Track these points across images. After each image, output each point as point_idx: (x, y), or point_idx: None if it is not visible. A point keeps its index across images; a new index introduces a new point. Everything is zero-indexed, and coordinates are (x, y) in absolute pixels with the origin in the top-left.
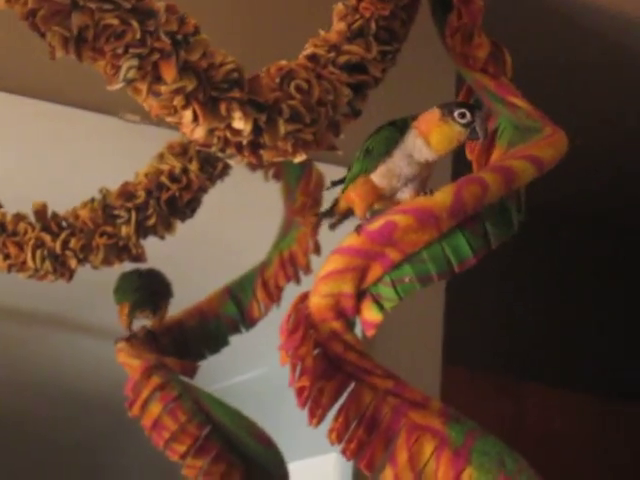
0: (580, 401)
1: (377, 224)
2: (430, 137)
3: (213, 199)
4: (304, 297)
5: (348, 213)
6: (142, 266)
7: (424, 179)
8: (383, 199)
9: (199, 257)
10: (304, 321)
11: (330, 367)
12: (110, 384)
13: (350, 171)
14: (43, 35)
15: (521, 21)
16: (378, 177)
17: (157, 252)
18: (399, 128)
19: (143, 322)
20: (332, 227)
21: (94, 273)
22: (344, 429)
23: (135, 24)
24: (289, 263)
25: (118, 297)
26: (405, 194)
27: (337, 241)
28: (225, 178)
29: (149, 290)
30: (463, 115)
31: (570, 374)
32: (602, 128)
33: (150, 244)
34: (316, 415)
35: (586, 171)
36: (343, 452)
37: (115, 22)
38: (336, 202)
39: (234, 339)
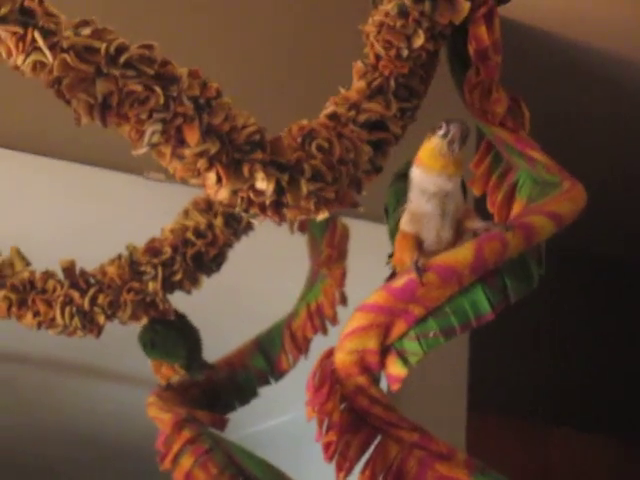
0: (606, 444)
1: (401, 282)
2: (421, 159)
3: (240, 250)
4: (330, 353)
5: None
6: None
7: (454, 214)
8: (426, 245)
9: (227, 308)
10: (330, 377)
11: (356, 421)
12: (138, 432)
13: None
14: (68, 102)
15: (539, 74)
16: (408, 226)
17: (185, 303)
18: (403, 173)
19: None
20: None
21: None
22: None
23: (158, 90)
24: (316, 315)
25: (160, 353)
26: (446, 232)
27: (363, 292)
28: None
29: (186, 345)
30: (440, 127)
31: (597, 418)
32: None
33: (178, 295)
34: (343, 469)
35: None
36: None
37: (139, 88)
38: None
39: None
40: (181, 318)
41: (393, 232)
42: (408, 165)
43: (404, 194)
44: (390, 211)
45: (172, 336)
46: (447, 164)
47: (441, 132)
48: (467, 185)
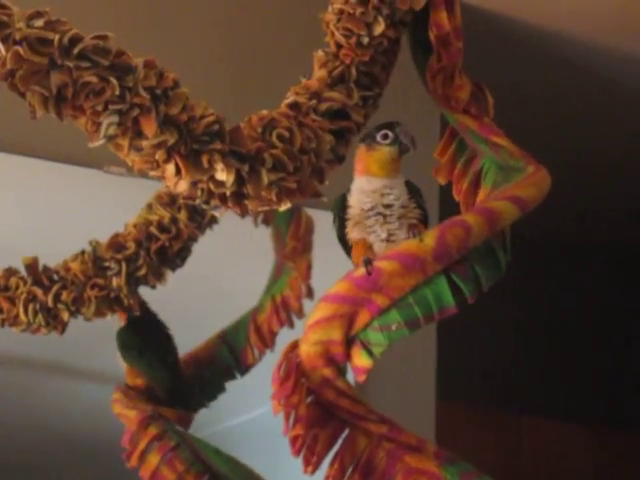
0: (578, 433)
1: (362, 270)
2: (370, 169)
3: (205, 244)
4: (294, 346)
5: None
6: None
7: (401, 213)
8: (378, 247)
9: (191, 301)
10: (295, 369)
11: (323, 414)
12: (109, 429)
13: None
14: (23, 95)
15: (502, 57)
16: (354, 232)
17: (151, 298)
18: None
19: None
20: None
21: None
22: (340, 476)
23: (114, 81)
24: (282, 308)
25: (130, 359)
26: (397, 231)
27: (330, 285)
28: (215, 224)
29: (171, 368)
30: (385, 136)
31: (568, 406)
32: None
33: (144, 290)
34: (311, 463)
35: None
36: None
37: (94, 80)
38: None
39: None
40: (156, 322)
41: (347, 249)
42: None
43: (343, 205)
44: (334, 221)
45: (161, 350)
46: (395, 169)
47: (388, 140)
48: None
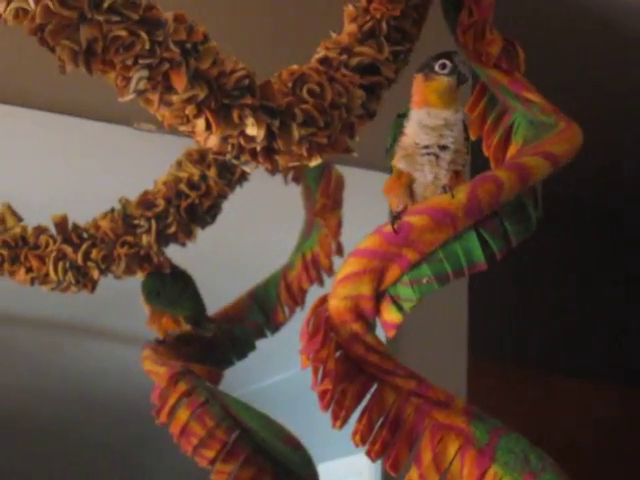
0: (607, 391)
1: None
2: (429, 100)
3: (234, 203)
4: (323, 300)
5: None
6: None
7: (452, 155)
8: (418, 185)
9: (221, 261)
10: (324, 324)
11: (352, 369)
12: (138, 388)
13: None
14: (52, 49)
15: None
16: (400, 161)
17: (179, 257)
18: (402, 115)
19: None
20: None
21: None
22: (368, 431)
23: (144, 35)
24: (312, 265)
25: (162, 304)
26: (442, 174)
27: (359, 241)
28: (245, 182)
29: (193, 298)
30: (444, 65)
31: (598, 365)
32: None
33: (172, 249)
34: (339, 417)
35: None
36: (368, 453)
37: (123, 33)
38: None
39: (263, 342)
40: (182, 272)
41: (390, 171)
42: (406, 109)
43: (401, 129)
44: (388, 147)
45: (179, 287)
46: (454, 100)
47: (446, 70)
48: None
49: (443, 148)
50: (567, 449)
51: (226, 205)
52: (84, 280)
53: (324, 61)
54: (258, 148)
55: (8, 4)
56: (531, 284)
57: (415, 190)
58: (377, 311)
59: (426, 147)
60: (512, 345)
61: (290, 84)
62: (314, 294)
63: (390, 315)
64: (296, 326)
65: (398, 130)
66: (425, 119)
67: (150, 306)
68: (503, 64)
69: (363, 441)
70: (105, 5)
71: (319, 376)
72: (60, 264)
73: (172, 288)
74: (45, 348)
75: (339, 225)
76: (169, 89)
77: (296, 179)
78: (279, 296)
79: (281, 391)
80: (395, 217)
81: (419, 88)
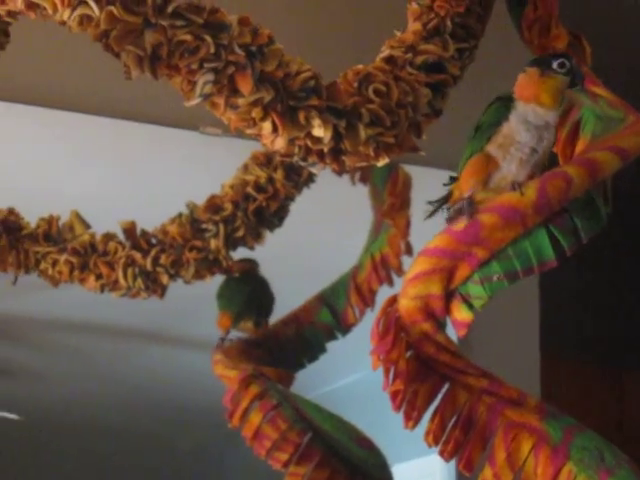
0: None
1: (463, 224)
2: (540, 98)
3: (302, 205)
4: (393, 300)
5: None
6: None
7: (541, 155)
8: (498, 174)
9: (290, 264)
10: (394, 324)
11: (423, 369)
12: (210, 394)
13: (462, 158)
14: (117, 55)
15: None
16: (494, 147)
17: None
18: (505, 100)
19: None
20: (429, 215)
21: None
22: (440, 431)
23: (208, 39)
24: (381, 266)
25: (222, 304)
26: (523, 171)
27: (428, 241)
28: (312, 184)
29: (256, 301)
30: (562, 65)
31: None
32: None
33: (241, 253)
34: (412, 418)
35: None
36: (441, 453)
37: (188, 38)
38: (450, 193)
39: (334, 344)
40: (262, 280)
41: (475, 151)
42: (510, 96)
43: (505, 116)
44: (484, 128)
45: (234, 286)
46: (561, 102)
47: (564, 70)
48: None
49: (535, 151)
50: None
51: (293, 207)
52: (153, 286)
53: (389, 60)
54: (325, 149)
55: (73, 11)
56: (604, 280)
57: (492, 177)
58: (447, 310)
59: (521, 143)
60: (585, 342)
61: (356, 84)
62: (384, 295)
63: (461, 314)
64: (366, 327)
65: (500, 115)
66: (530, 116)
67: (220, 309)
68: None
69: (436, 441)
70: (169, 10)
71: (390, 377)
72: (129, 270)
73: (230, 288)
74: (114, 355)
75: (408, 225)
76: (235, 92)
77: (363, 180)
78: (349, 298)
79: (353, 393)
80: (470, 204)
81: (532, 82)
